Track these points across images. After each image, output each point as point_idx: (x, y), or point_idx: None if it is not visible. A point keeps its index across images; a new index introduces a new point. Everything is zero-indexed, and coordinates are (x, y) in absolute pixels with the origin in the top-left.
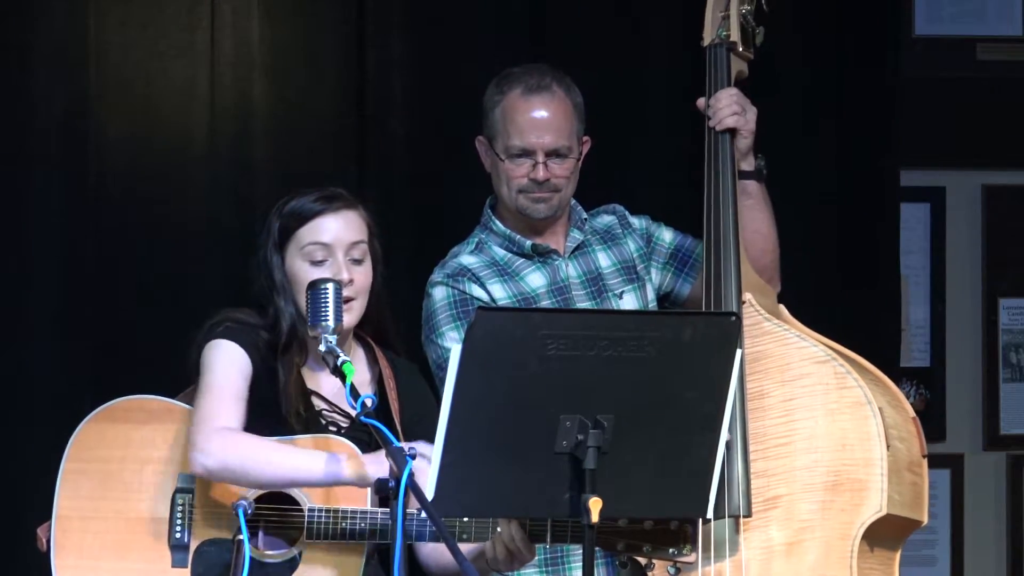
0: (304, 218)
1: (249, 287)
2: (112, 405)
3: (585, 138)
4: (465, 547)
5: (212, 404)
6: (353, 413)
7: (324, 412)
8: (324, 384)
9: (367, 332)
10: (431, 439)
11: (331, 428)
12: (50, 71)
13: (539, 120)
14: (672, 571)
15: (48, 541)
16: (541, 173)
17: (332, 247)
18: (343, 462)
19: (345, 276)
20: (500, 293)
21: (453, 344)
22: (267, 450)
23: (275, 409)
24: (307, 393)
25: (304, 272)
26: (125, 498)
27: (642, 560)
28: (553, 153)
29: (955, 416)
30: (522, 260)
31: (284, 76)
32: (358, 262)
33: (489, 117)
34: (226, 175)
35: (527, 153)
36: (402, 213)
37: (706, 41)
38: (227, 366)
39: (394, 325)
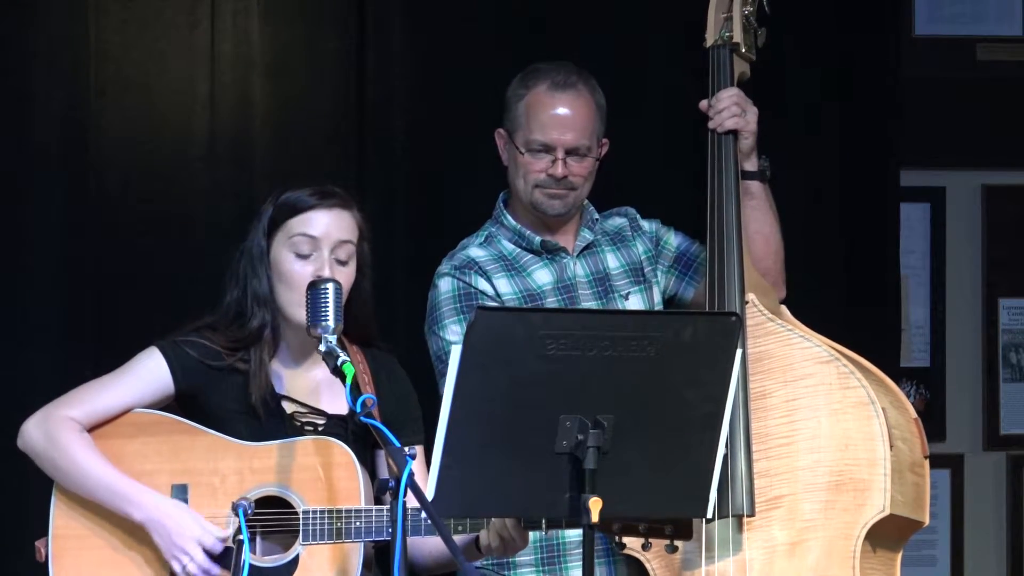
0: (297, 209)
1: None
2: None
3: (604, 140)
4: (459, 537)
5: (83, 393)
6: (329, 411)
7: (297, 414)
8: (293, 386)
9: (352, 336)
10: (411, 428)
11: (307, 429)
12: (50, 71)
13: (562, 117)
14: (669, 550)
15: (46, 554)
16: (560, 170)
17: (319, 241)
18: (135, 503)
19: (327, 273)
20: (506, 288)
21: (454, 338)
22: (76, 463)
23: (236, 415)
24: (276, 397)
25: (287, 262)
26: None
27: (638, 541)
28: (573, 151)
29: (955, 416)
30: (530, 256)
31: (284, 76)
32: (343, 263)
33: (512, 110)
34: (226, 175)
35: (548, 149)
36: (402, 213)
37: (709, 42)
38: (136, 373)
39: (378, 329)
